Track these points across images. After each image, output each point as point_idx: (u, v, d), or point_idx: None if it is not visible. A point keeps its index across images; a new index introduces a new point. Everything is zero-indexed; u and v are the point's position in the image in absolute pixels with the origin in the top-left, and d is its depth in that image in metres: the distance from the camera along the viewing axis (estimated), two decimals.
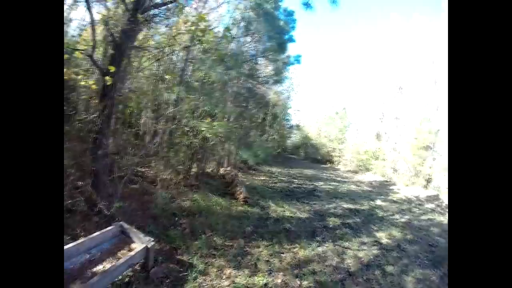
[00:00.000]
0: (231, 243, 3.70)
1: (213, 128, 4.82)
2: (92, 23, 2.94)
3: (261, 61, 6.92)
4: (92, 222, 3.11)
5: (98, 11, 3.49)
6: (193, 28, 3.95)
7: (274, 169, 11.82)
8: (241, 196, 5.76)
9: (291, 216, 5.42)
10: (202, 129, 4.94)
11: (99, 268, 2.36)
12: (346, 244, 4.41)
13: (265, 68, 7.36)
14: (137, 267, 2.67)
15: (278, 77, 6.75)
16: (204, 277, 2.85)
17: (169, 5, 3.73)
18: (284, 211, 5.72)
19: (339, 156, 20.99)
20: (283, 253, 3.74)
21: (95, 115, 3.37)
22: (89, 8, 2.95)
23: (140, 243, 2.76)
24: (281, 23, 5.94)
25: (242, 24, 5.55)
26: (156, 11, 3.74)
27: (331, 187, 9.85)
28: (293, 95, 18.72)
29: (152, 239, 2.78)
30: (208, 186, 6.04)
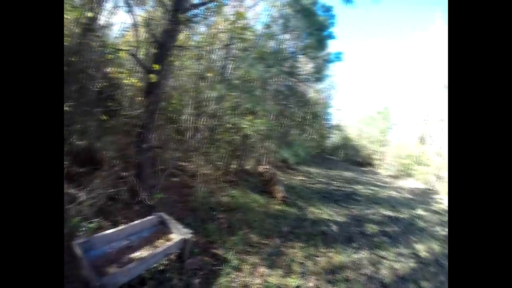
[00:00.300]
0: (266, 242, 3.57)
1: (254, 126, 4.74)
2: (135, 24, 3.03)
3: (301, 58, 6.66)
4: (133, 210, 3.21)
5: (139, 14, 3.61)
6: (233, 26, 3.90)
7: (312, 170, 11.35)
8: (280, 195, 5.58)
9: (328, 219, 5.11)
10: (243, 126, 4.89)
11: (136, 254, 2.40)
12: (383, 253, 4.04)
13: (305, 65, 7.08)
14: (172, 257, 2.66)
15: (318, 74, 6.42)
16: (237, 273, 2.76)
17: (208, 5, 3.74)
18: (322, 213, 5.42)
19: (380, 159, 19.33)
20: (318, 256, 3.52)
21: (140, 111, 3.49)
22: (130, 11, 3.05)
23: (178, 234, 2.76)
24: (320, 19, 5.63)
25: (280, 21, 5.38)
26: (195, 11, 3.77)
27: (370, 191, 9.15)
28: (334, 93, 17.72)
29: (191, 231, 2.76)
30: (246, 183, 5.99)
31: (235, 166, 6.21)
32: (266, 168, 7.09)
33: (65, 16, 2.99)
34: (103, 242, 2.30)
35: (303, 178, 8.98)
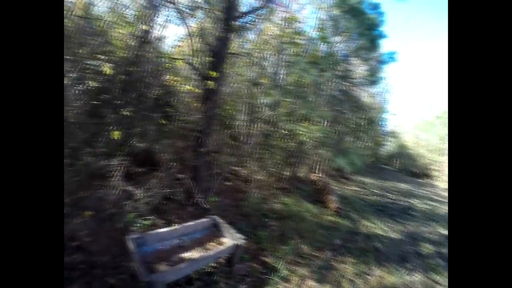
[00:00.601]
0: (317, 254, 3.28)
1: (310, 132, 4.50)
2: (189, 34, 3.12)
3: (354, 61, 6.15)
4: (187, 211, 3.24)
5: (191, 25, 3.72)
6: (283, 31, 3.78)
7: (366, 180, 10.34)
8: (333, 205, 5.15)
9: (382, 235, 4.55)
10: (299, 132, 4.68)
11: (187, 255, 2.36)
12: (437, 277, 3.45)
13: (358, 68, 6.52)
14: (222, 260, 2.58)
15: (372, 77, 5.85)
16: (285, 284, 2.55)
17: (258, 11, 3.68)
18: (375, 227, 4.85)
19: (438, 170, 16.44)
20: (369, 274, 3.12)
21: (197, 116, 3.56)
22: (183, 23, 3.16)
23: (230, 238, 2.68)
24: (369, 17, 5.16)
25: (329, 23, 5.06)
26: (247, 18, 3.75)
27: (427, 206, 7.98)
28: (389, 97, 15.67)
29: (243, 237, 2.66)
30: (299, 191, 5.69)
31: (288, 173, 5.97)
32: (319, 176, 6.68)
33: (121, 31, 3.24)
34: (155, 239, 2.32)
35: (357, 189, 8.28)
